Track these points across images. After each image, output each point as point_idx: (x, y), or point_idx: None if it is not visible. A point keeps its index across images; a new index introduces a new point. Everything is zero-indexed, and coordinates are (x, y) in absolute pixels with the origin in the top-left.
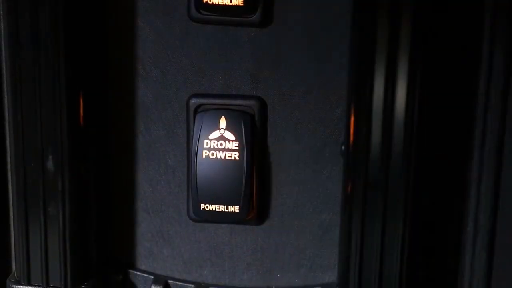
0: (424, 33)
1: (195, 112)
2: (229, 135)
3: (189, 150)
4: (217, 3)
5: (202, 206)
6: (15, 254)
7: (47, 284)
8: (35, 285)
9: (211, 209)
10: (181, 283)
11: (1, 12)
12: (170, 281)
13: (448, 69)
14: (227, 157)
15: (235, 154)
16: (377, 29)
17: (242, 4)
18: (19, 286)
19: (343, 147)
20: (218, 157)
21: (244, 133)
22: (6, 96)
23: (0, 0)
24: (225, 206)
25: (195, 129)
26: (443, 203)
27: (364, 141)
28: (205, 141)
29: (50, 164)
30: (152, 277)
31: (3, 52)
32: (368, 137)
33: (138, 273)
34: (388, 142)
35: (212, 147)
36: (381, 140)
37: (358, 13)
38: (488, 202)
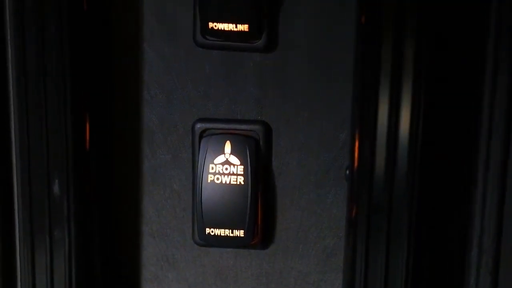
0: (427, 59)
1: (200, 136)
2: (234, 159)
3: (194, 175)
4: (222, 28)
5: (207, 230)
6: (20, 278)
7: None
8: None
9: (216, 234)
10: None
11: (8, 39)
12: None
13: (451, 93)
14: (232, 182)
15: (240, 178)
16: (381, 55)
17: (247, 30)
18: None
19: (347, 172)
20: (223, 182)
21: (249, 158)
22: (12, 120)
23: (7, 26)
24: (230, 231)
25: (200, 153)
26: (447, 227)
27: (368, 166)
28: (210, 166)
29: (56, 188)
30: None
31: (10, 77)
32: (372, 162)
33: None
34: (392, 167)
35: (217, 171)
36: (385, 165)
37: (362, 39)
38: (492, 226)
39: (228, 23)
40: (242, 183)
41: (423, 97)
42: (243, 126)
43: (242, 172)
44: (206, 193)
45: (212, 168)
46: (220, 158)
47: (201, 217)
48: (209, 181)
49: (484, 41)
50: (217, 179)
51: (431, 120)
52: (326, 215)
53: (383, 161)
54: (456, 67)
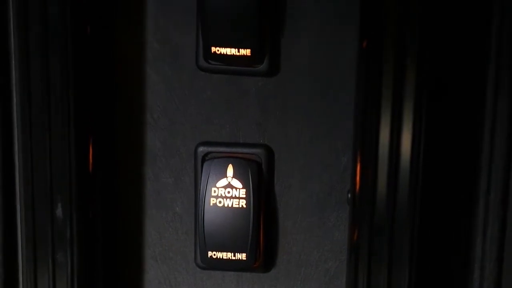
0: (428, 83)
1: (203, 160)
2: (236, 183)
3: (197, 198)
4: (224, 53)
5: (210, 253)
6: None
7: None
8: None
9: (218, 257)
10: None
11: (13, 61)
12: None
13: (452, 117)
14: (234, 205)
15: (242, 202)
16: (382, 79)
17: (249, 54)
18: None
19: (349, 195)
20: (226, 205)
21: (251, 181)
22: (16, 143)
23: (12, 51)
24: (232, 254)
25: (202, 176)
26: (448, 250)
27: (370, 189)
28: (213, 189)
29: (59, 212)
30: None
31: (14, 100)
32: (374, 185)
33: None
34: (393, 189)
35: (219, 195)
36: (386, 188)
37: (363, 63)
38: (494, 251)
39: (231, 47)
40: (244, 206)
41: (424, 120)
42: (245, 150)
43: (244, 196)
44: (208, 217)
45: (215, 192)
46: (223, 182)
47: (203, 240)
48: (211, 204)
49: (485, 66)
50: (219, 202)
51: (432, 143)
52: (328, 238)
53: (385, 184)
54: (457, 91)
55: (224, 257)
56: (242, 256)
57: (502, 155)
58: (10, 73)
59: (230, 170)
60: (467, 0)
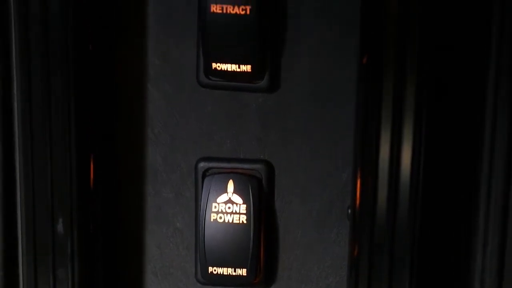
0: (428, 99)
1: (204, 175)
2: (237, 198)
3: (197, 213)
4: (225, 69)
5: (210, 269)
6: None
7: None
8: None
9: (218, 272)
10: None
11: (15, 78)
12: None
13: (452, 134)
14: (234, 221)
15: (243, 217)
16: (382, 95)
17: (250, 71)
18: None
19: (349, 211)
20: (226, 221)
21: (252, 197)
22: (17, 159)
23: (14, 67)
24: (233, 269)
25: (203, 192)
26: (449, 267)
27: (370, 205)
28: (213, 204)
29: (60, 228)
30: None
31: (16, 117)
32: (374, 201)
33: None
34: (393, 206)
35: (220, 210)
36: (386, 204)
37: (363, 79)
38: (494, 264)
39: (231, 63)
40: (245, 222)
41: (424, 136)
42: (246, 165)
43: (244, 211)
44: (209, 232)
45: (215, 207)
46: (223, 197)
47: (203, 256)
48: (212, 220)
49: (484, 84)
50: (220, 218)
51: (432, 159)
52: (329, 254)
53: (385, 200)
54: (457, 108)
55: (225, 273)
56: (243, 271)
57: (501, 169)
58: (12, 90)
59: (230, 186)
60: (467, 19)
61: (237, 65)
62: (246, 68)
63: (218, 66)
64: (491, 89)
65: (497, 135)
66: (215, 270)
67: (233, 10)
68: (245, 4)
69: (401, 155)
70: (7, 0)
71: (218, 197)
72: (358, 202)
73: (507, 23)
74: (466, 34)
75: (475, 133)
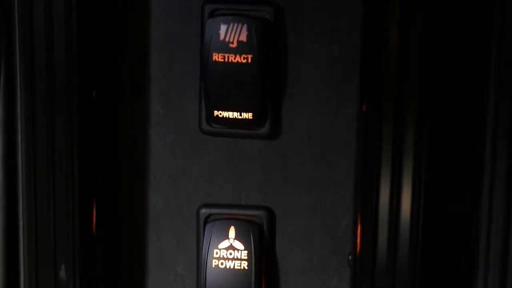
0: (427, 145)
1: (205, 221)
2: (238, 244)
3: (199, 259)
4: (227, 116)
5: None
6: None
7: None
8: None
9: None
10: None
11: (19, 125)
12: None
13: (452, 180)
14: (236, 266)
15: (244, 263)
16: (382, 142)
17: (251, 118)
18: None
19: (350, 257)
20: (227, 266)
21: (253, 243)
22: (21, 205)
23: (18, 112)
24: None
25: (205, 238)
26: None
27: (371, 251)
28: (215, 250)
29: (62, 274)
30: None
31: (20, 162)
32: (374, 248)
33: None
34: (394, 252)
35: (221, 256)
36: (387, 250)
37: (363, 127)
38: None
39: (233, 111)
40: (246, 268)
41: (424, 183)
42: (247, 212)
43: (246, 257)
44: (210, 278)
45: (217, 253)
46: (224, 243)
47: None
48: (213, 265)
49: (483, 129)
50: (221, 264)
51: (432, 204)
52: None
53: (385, 247)
54: (456, 153)
55: None
56: None
57: (501, 216)
58: (16, 135)
59: (232, 232)
60: (467, 65)
61: (238, 113)
62: (248, 115)
63: (220, 114)
64: (490, 135)
65: (496, 177)
66: None
67: (234, 59)
68: (246, 53)
69: (401, 201)
70: (13, 46)
71: (219, 243)
72: (358, 248)
73: (505, 73)
74: (465, 80)
75: (475, 176)
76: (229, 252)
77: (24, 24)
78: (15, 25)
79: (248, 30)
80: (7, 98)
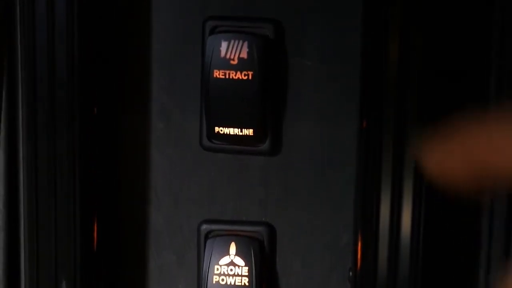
0: None
1: (206, 237)
2: (239, 260)
3: (200, 276)
4: (228, 133)
5: None
6: None
7: None
8: None
9: None
10: None
11: (21, 138)
12: None
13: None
14: (236, 283)
15: (245, 279)
16: (382, 158)
17: (252, 134)
18: None
19: (350, 273)
20: (228, 283)
21: (254, 259)
22: (22, 221)
23: (20, 128)
24: None
25: (205, 254)
26: None
27: (371, 267)
28: (216, 267)
29: None
30: None
31: (21, 179)
32: (375, 264)
33: None
34: (394, 268)
35: (222, 272)
36: (387, 266)
37: (363, 143)
38: None
39: (234, 127)
40: (247, 284)
41: (424, 199)
42: (248, 228)
43: (246, 273)
44: None
45: (217, 269)
46: (225, 259)
47: None
48: (214, 282)
49: None
50: (222, 280)
51: (433, 222)
52: None
53: (386, 263)
54: None
55: None
56: None
57: (501, 235)
58: (18, 152)
59: (232, 248)
60: (468, 79)
61: (239, 129)
62: (248, 132)
63: (221, 130)
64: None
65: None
66: None
67: (235, 75)
68: (247, 70)
69: (401, 217)
70: (15, 62)
71: (220, 259)
72: (359, 264)
73: (505, 78)
74: (466, 95)
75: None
76: (230, 268)
77: (27, 43)
78: (17, 44)
79: (249, 47)
80: (9, 115)
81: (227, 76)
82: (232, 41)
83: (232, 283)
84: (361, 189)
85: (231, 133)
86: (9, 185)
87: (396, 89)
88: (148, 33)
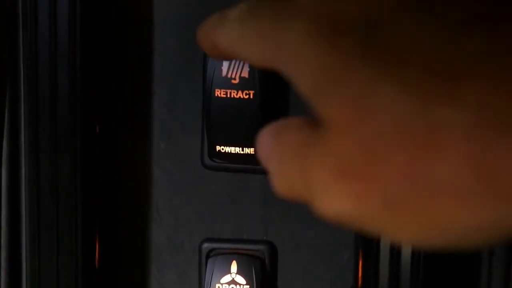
0: None
1: (207, 256)
2: (240, 279)
3: None
4: (229, 151)
5: None
6: None
7: None
8: None
9: None
10: None
11: (23, 160)
12: None
13: None
14: None
15: None
16: None
17: (253, 153)
18: None
19: None
20: None
21: (255, 277)
22: (24, 240)
23: (23, 146)
24: None
25: (207, 273)
26: None
27: (372, 285)
28: (217, 285)
29: None
30: None
31: (23, 195)
32: (375, 281)
33: None
34: (396, 286)
35: None
36: (388, 283)
37: None
38: None
39: (235, 146)
40: None
41: None
42: (249, 246)
43: None
44: None
45: None
46: (226, 278)
47: None
48: None
49: None
50: None
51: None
52: None
53: (386, 280)
54: None
55: None
56: None
57: (503, 255)
58: (20, 171)
59: (234, 267)
60: None
61: (240, 148)
62: (250, 150)
63: (222, 149)
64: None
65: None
66: None
67: (237, 94)
68: (248, 89)
69: None
70: (17, 81)
71: (221, 277)
72: (360, 282)
73: None
74: None
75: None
76: (231, 287)
77: (29, 59)
78: (20, 59)
79: (250, 66)
80: (11, 133)
81: (228, 95)
82: (233, 61)
83: None
84: None
85: (233, 151)
86: (11, 204)
87: None
88: (150, 52)
